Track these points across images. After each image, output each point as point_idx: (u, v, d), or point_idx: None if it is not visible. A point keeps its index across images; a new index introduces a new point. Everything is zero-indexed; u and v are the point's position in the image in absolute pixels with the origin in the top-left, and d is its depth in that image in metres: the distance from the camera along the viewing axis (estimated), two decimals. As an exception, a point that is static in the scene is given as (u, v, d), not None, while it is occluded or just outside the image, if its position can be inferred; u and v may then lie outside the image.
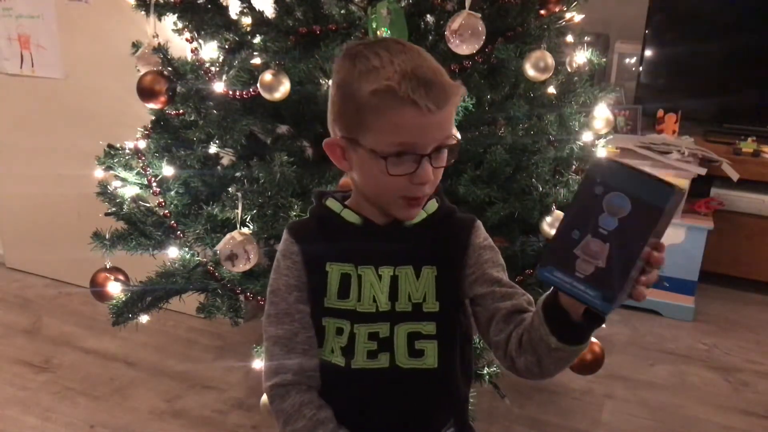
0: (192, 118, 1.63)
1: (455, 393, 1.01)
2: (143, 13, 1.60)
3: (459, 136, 1.37)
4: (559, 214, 1.53)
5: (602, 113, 1.74)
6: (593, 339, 1.50)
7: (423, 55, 0.89)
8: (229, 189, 1.65)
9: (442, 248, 0.98)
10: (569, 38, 1.73)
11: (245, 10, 1.64)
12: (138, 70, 1.62)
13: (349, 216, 0.97)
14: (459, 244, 0.98)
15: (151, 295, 1.70)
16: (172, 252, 1.65)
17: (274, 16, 1.63)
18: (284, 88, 1.48)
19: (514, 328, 0.90)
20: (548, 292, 0.83)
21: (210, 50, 1.64)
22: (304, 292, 0.97)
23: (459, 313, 0.99)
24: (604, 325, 0.83)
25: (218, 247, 1.50)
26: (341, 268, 0.96)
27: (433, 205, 0.99)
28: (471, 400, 1.12)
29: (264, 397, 1.52)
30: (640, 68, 2.94)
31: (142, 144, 1.67)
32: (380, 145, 0.87)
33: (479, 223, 1.02)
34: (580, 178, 0.74)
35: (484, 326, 0.97)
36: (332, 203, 0.99)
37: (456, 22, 1.44)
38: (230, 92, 1.55)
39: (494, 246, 1.01)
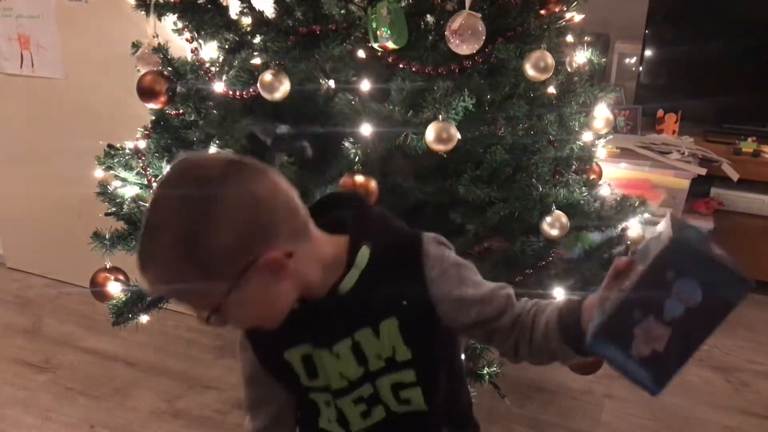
0: (192, 118, 1.63)
1: (455, 416, 1.03)
2: (143, 13, 1.59)
3: (459, 136, 1.37)
4: (559, 214, 1.53)
5: (602, 113, 1.74)
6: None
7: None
8: (229, 189, 1.65)
9: (393, 297, 0.88)
10: (569, 38, 1.73)
11: (245, 10, 1.64)
12: (138, 70, 1.62)
13: None
14: (412, 286, 0.88)
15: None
16: (173, 252, 1.65)
17: (274, 16, 1.62)
18: (284, 88, 1.48)
19: (519, 333, 0.89)
20: (562, 307, 0.83)
21: (210, 50, 1.64)
22: (266, 376, 1.00)
23: (435, 349, 0.94)
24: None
25: (218, 247, 1.49)
26: (299, 350, 0.93)
27: (363, 258, 0.87)
28: (473, 401, 1.12)
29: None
30: (640, 68, 2.94)
31: (142, 144, 1.67)
32: None
33: (426, 244, 0.89)
34: (656, 255, 0.66)
35: (484, 341, 0.98)
36: None
37: (456, 22, 1.44)
38: (230, 92, 1.55)
39: (451, 258, 0.90)
